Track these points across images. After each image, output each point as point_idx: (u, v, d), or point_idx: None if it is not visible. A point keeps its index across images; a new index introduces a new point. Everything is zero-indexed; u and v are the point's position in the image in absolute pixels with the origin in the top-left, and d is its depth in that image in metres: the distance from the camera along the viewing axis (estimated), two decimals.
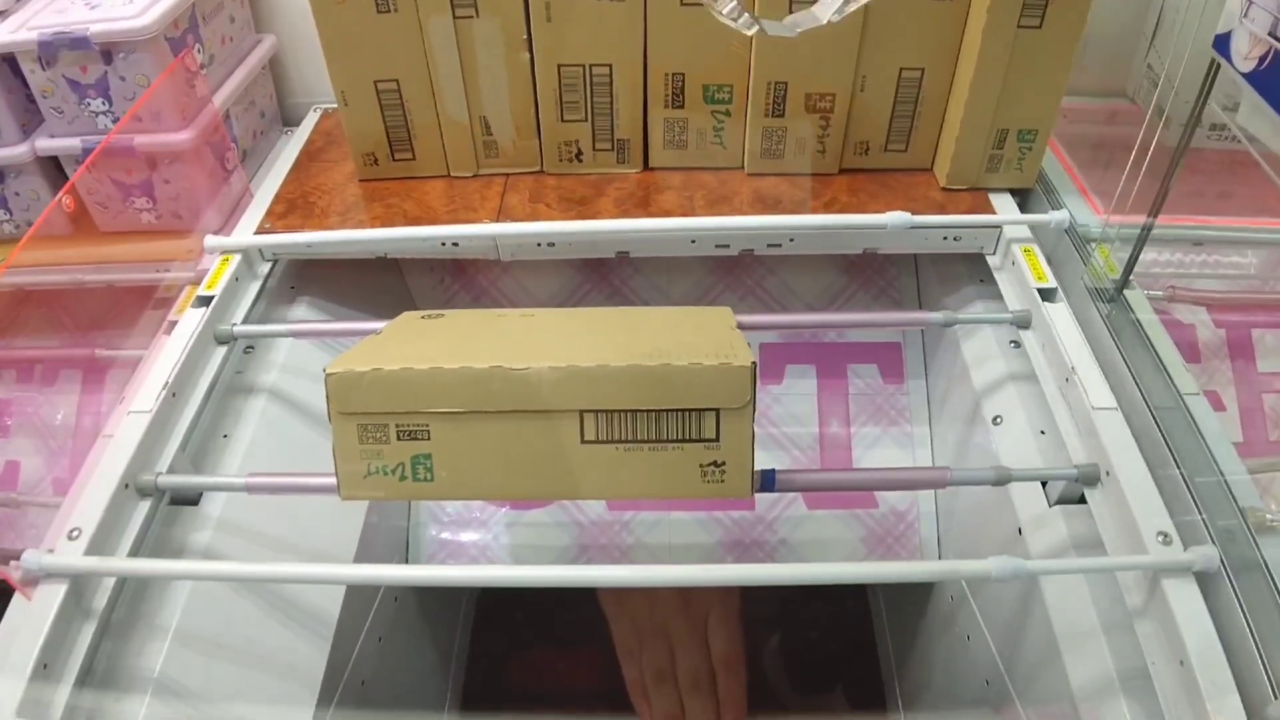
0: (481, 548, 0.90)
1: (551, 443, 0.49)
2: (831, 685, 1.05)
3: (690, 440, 0.48)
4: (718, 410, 0.48)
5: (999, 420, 0.73)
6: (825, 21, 0.62)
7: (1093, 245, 0.75)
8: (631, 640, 0.76)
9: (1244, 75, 0.57)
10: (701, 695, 0.73)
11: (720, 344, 0.50)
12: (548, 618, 1.03)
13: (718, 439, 0.48)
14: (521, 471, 0.49)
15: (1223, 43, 0.59)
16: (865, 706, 0.98)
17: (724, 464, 0.49)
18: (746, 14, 0.62)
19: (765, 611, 1.02)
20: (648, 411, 0.48)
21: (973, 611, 0.72)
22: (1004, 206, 0.81)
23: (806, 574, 0.54)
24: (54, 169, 0.88)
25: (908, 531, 0.87)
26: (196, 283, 0.77)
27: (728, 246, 0.79)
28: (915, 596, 0.87)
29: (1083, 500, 0.61)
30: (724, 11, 0.62)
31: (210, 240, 0.79)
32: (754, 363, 0.48)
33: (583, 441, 0.49)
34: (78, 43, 0.77)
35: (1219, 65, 0.60)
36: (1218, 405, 0.79)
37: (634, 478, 0.49)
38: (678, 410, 0.48)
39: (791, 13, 0.66)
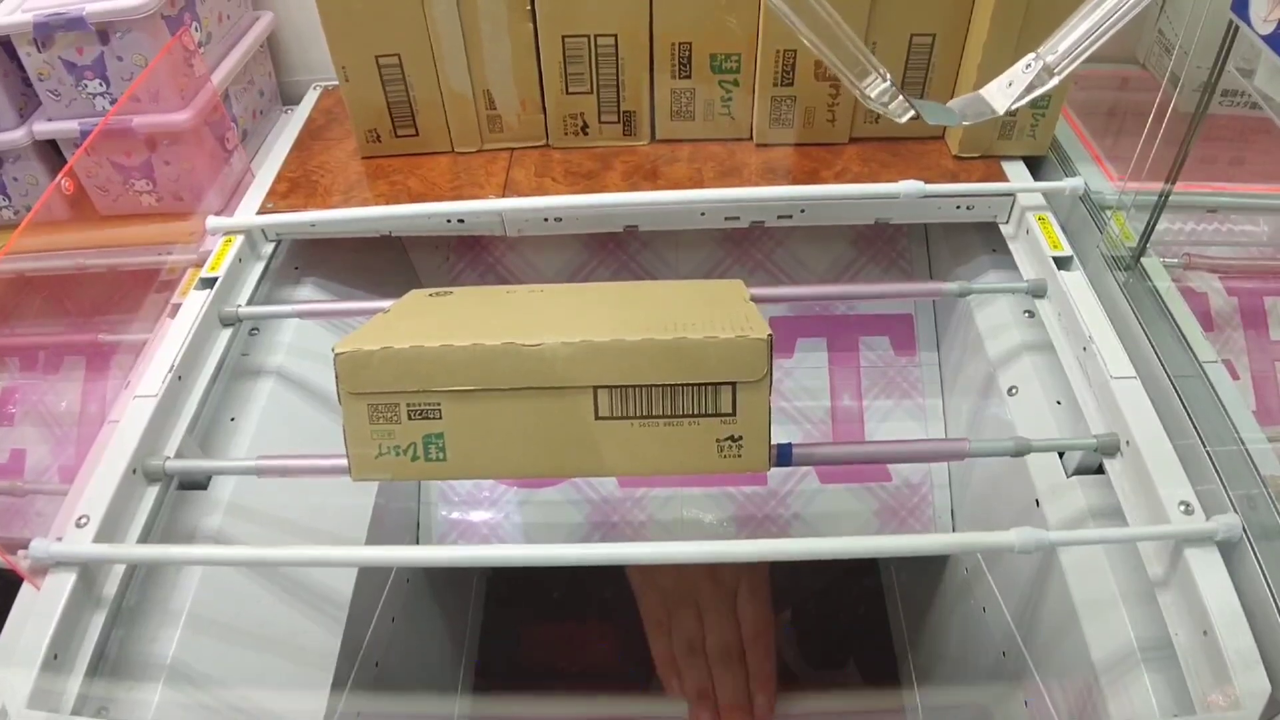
0: (492, 527, 0.89)
1: (565, 420, 0.48)
2: (844, 660, 1.05)
3: (706, 415, 0.48)
4: (734, 384, 0.47)
5: (1014, 391, 0.72)
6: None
7: (1108, 212, 0.74)
8: (660, 612, 0.75)
9: (1263, 38, 0.56)
10: (731, 668, 0.73)
11: (735, 317, 0.49)
12: (560, 595, 1.03)
13: (734, 413, 0.48)
14: (535, 449, 0.49)
15: (1241, 5, 0.57)
16: (878, 680, 0.98)
17: (741, 438, 0.48)
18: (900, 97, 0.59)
19: (777, 586, 1.02)
20: (663, 386, 0.47)
21: (988, 583, 0.72)
22: (1017, 174, 0.80)
23: (822, 548, 0.53)
24: (52, 153, 0.87)
25: (921, 504, 0.87)
26: (199, 265, 0.76)
27: (738, 218, 0.78)
28: (929, 569, 0.87)
29: (1100, 470, 0.60)
30: (872, 95, 0.59)
31: (213, 221, 0.78)
32: (770, 335, 0.47)
33: (597, 418, 0.48)
34: (73, 23, 0.76)
35: (1237, 28, 0.59)
36: (1231, 374, 0.78)
37: (650, 454, 0.48)
38: (694, 384, 0.47)
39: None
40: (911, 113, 0.60)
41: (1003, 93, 0.61)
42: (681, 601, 0.75)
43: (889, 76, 0.58)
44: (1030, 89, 0.60)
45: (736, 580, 0.74)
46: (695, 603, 0.74)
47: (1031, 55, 0.60)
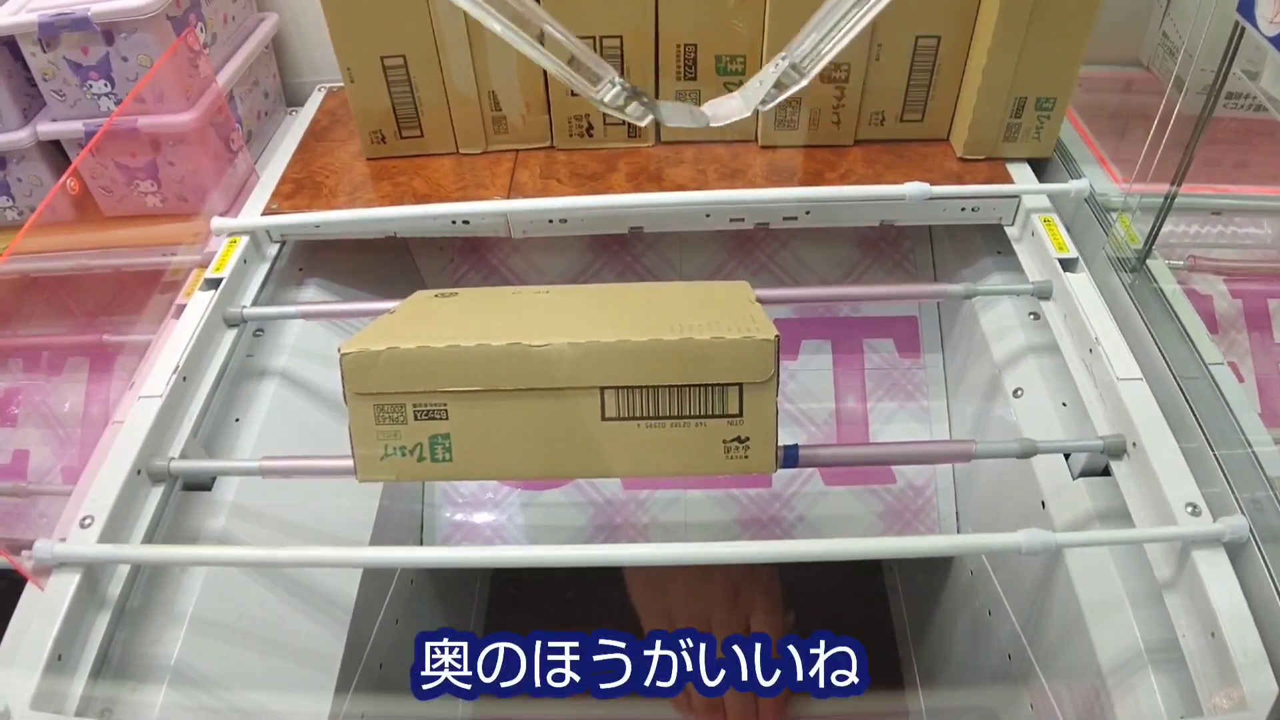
0: (496, 528, 0.89)
1: (571, 421, 0.48)
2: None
3: (713, 416, 0.48)
4: (741, 385, 0.47)
5: (1020, 393, 0.72)
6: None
7: (1113, 214, 0.74)
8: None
9: (1269, 39, 0.56)
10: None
11: (741, 318, 0.49)
12: (562, 597, 1.03)
13: (741, 414, 0.48)
14: (541, 450, 0.49)
15: (1247, 7, 0.57)
16: (882, 683, 0.98)
17: (748, 439, 0.48)
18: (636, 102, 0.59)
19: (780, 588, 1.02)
20: (669, 387, 0.47)
21: (994, 586, 0.71)
22: (1022, 176, 0.79)
23: (827, 550, 0.53)
24: (56, 153, 0.87)
25: (926, 506, 0.87)
26: (204, 266, 0.76)
27: (742, 220, 0.78)
28: (934, 572, 0.87)
29: (1107, 472, 0.60)
30: (605, 100, 0.59)
31: (217, 222, 0.78)
32: (777, 336, 0.47)
33: (603, 419, 0.48)
34: (78, 23, 0.76)
35: (1243, 30, 0.58)
36: (1236, 376, 0.78)
37: (656, 455, 0.48)
38: (700, 385, 0.47)
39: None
40: (650, 116, 0.59)
41: (752, 92, 0.61)
42: (690, 622, 0.74)
43: (620, 80, 0.58)
44: (780, 87, 0.60)
45: (751, 603, 0.74)
46: (707, 625, 0.74)
47: (780, 55, 0.59)
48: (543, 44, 0.57)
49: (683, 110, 0.61)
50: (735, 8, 0.75)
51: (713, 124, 0.62)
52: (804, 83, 0.59)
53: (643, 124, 0.59)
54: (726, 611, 0.73)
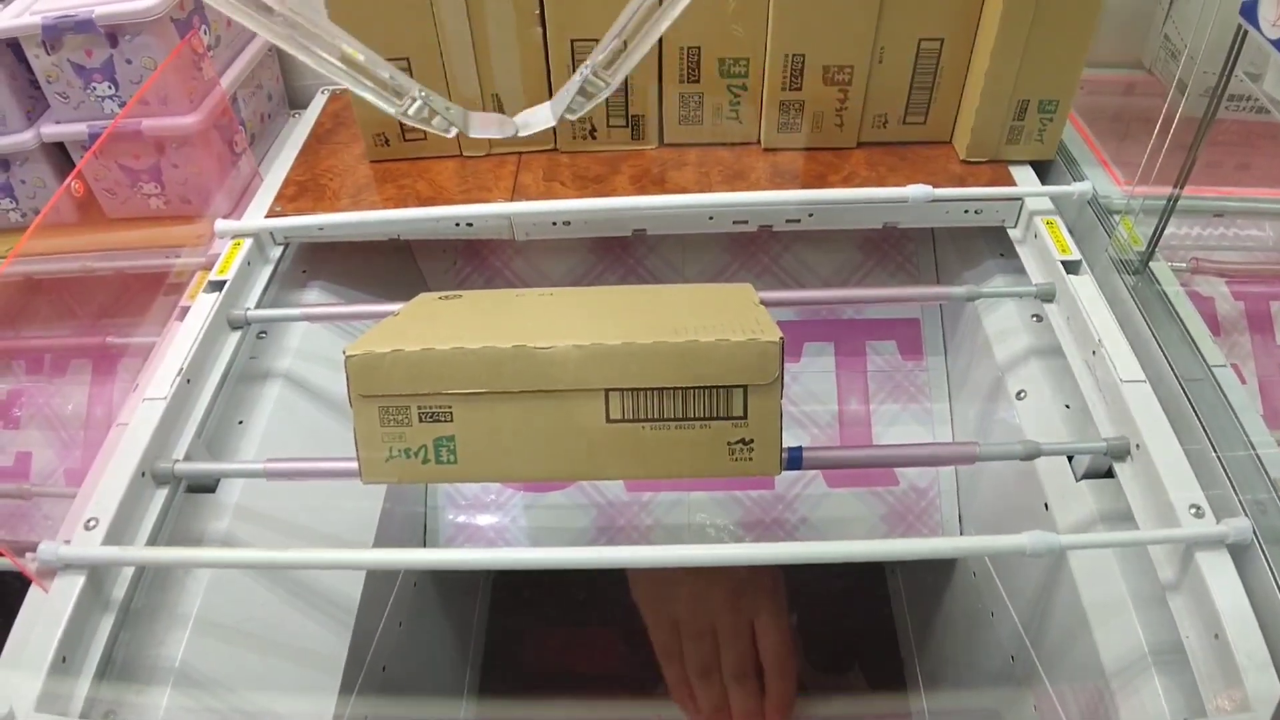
0: (499, 530, 0.89)
1: (576, 423, 0.48)
2: (850, 664, 1.04)
3: (718, 418, 0.48)
4: (745, 387, 0.47)
5: (1023, 395, 0.72)
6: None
7: (1116, 217, 0.74)
8: (673, 643, 0.75)
9: (1271, 42, 0.56)
10: (747, 688, 0.72)
11: (746, 320, 0.49)
12: (566, 599, 1.03)
13: (745, 416, 0.48)
14: (545, 452, 0.49)
15: (1249, 10, 0.57)
16: (885, 685, 0.98)
17: (752, 442, 0.48)
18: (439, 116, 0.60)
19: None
20: (674, 389, 0.47)
21: (997, 588, 0.71)
22: (1024, 179, 0.80)
23: (830, 552, 0.53)
24: (60, 155, 0.87)
25: (929, 508, 0.87)
26: (208, 268, 0.76)
27: (746, 223, 0.78)
28: (936, 573, 0.87)
29: (1110, 474, 0.60)
30: (410, 113, 0.60)
31: (221, 224, 0.78)
32: (782, 338, 0.47)
33: (608, 421, 0.48)
34: (82, 25, 0.76)
35: (1246, 33, 0.59)
36: (1238, 378, 0.78)
37: (660, 457, 0.48)
38: (705, 388, 0.47)
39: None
40: (455, 129, 0.60)
41: (559, 101, 0.62)
42: (695, 630, 0.74)
43: (423, 94, 0.59)
44: (586, 95, 0.61)
45: (756, 606, 0.74)
46: (712, 632, 0.74)
47: (585, 64, 0.61)
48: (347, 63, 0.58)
49: (491, 120, 0.62)
50: (736, 12, 0.75)
51: (521, 133, 0.64)
52: (609, 91, 0.61)
53: (449, 135, 0.62)
54: (730, 614, 0.73)
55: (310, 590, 0.66)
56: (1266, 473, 0.54)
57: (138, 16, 0.76)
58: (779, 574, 0.77)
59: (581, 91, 0.60)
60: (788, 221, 0.78)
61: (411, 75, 0.78)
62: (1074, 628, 0.59)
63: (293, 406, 0.74)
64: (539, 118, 0.63)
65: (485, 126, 0.62)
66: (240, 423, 0.71)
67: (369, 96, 0.59)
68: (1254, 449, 0.56)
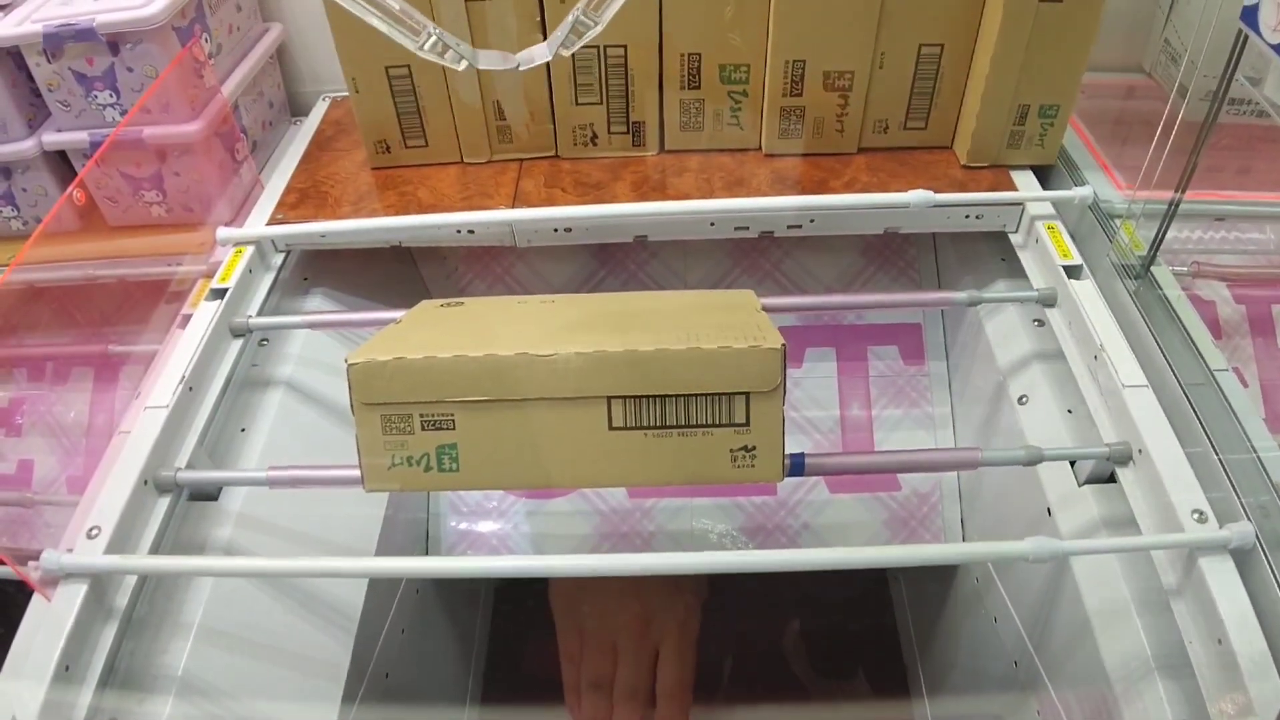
0: (501, 538, 0.89)
1: (579, 430, 0.48)
2: (853, 670, 1.04)
3: (720, 425, 0.47)
4: (748, 394, 0.47)
5: (1025, 400, 0.72)
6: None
7: (1117, 221, 0.74)
8: (574, 646, 0.75)
9: (1272, 46, 0.56)
10: (632, 709, 0.71)
11: (748, 326, 0.49)
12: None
13: (748, 423, 0.47)
14: (548, 460, 0.49)
15: (1250, 15, 0.57)
16: (887, 691, 0.98)
17: (754, 448, 0.48)
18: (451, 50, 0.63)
19: (785, 597, 1.02)
20: (676, 396, 0.47)
21: (1000, 593, 0.71)
22: (1025, 183, 0.79)
23: (834, 558, 0.53)
24: (61, 164, 0.87)
25: (931, 514, 0.87)
26: (209, 276, 0.76)
27: (747, 229, 0.78)
28: (939, 579, 0.87)
29: (1112, 479, 0.60)
30: (425, 48, 0.62)
31: (223, 232, 0.78)
32: (784, 344, 0.47)
33: (610, 428, 0.48)
34: (83, 34, 0.76)
35: (1246, 37, 0.59)
36: (1240, 381, 0.78)
37: (663, 464, 0.48)
38: (707, 395, 0.47)
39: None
40: (465, 61, 0.63)
41: (554, 38, 0.65)
42: (598, 644, 0.74)
43: (436, 31, 0.62)
44: (577, 33, 0.63)
45: (661, 636, 0.73)
46: (613, 646, 0.73)
47: (577, 7, 0.63)
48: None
49: (495, 55, 0.66)
50: (734, 19, 0.76)
51: (522, 68, 0.67)
52: (598, 28, 0.63)
53: (460, 68, 0.64)
54: (635, 636, 0.73)
55: (313, 598, 0.66)
56: (1269, 476, 0.54)
57: (139, 25, 0.76)
58: (694, 607, 0.76)
59: (574, 30, 0.63)
60: (789, 227, 0.78)
61: (413, 82, 0.79)
62: (1077, 633, 0.58)
63: (295, 414, 0.74)
64: (538, 53, 0.66)
65: (490, 60, 0.64)
66: (242, 431, 0.71)
67: (392, 32, 0.61)
68: (1256, 453, 0.56)
